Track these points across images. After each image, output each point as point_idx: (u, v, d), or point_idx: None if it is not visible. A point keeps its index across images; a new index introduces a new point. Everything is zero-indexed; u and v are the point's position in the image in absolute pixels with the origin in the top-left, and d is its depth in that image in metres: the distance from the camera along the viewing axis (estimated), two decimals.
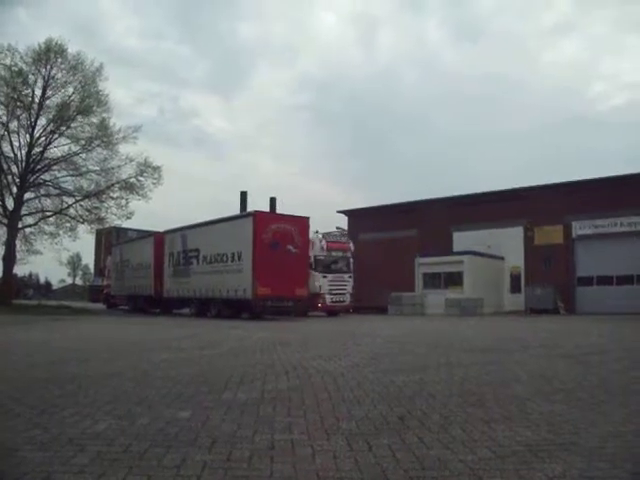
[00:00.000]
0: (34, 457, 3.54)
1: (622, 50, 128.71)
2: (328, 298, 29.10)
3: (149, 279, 31.95)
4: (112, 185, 35.00)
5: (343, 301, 30.04)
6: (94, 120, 34.34)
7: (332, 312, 29.81)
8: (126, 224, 38.74)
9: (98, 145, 34.52)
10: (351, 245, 31.69)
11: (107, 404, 5.21)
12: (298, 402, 5.36)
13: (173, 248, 30.22)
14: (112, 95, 45.90)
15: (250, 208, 31.92)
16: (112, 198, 35.05)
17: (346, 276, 30.45)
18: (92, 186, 35.08)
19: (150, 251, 32.31)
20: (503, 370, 7.80)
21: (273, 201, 37.37)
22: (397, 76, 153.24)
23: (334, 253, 30.27)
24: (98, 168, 34.87)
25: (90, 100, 33.84)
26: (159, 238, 31.80)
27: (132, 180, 34.94)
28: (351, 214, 45.30)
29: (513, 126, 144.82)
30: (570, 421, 4.60)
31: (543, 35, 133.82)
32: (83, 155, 34.92)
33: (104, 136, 34.29)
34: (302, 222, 25.54)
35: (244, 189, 40.77)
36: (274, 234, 23.95)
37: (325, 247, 29.50)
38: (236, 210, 35.34)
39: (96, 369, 7.67)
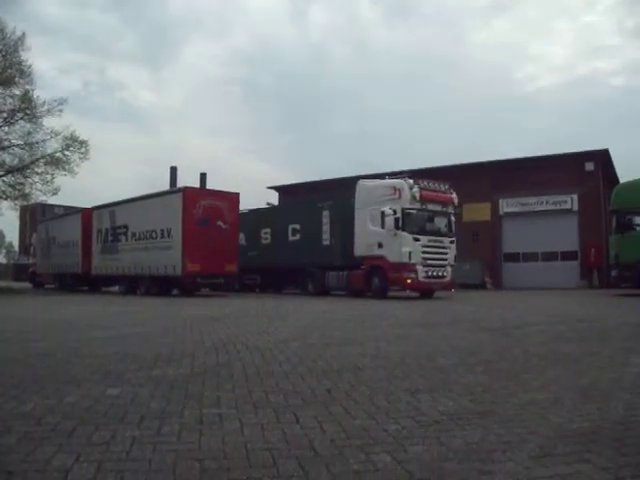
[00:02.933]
0: None
1: (551, 34, 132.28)
2: (421, 271, 20.54)
3: (77, 256, 31.17)
4: (37, 160, 33.63)
5: (443, 276, 21.32)
6: (16, 92, 32.82)
7: (426, 291, 21.75)
8: (52, 200, 37.54)
9: (21, 118, 33.11)
10: (454, 197, 22.59)
11: (34, 384, 5.13)
12: (227, 377, 5.42)
13: (101, 225, 29.45)
14: (34, 66, 43.70)
15: (180, 184, 31.40)
16: (37, 173, 33.71)
17: (447, 240, 21.75)
18: (15, 161, 33.71)
19: (78, 228, 31.44)
20: (429, 343, 8.02)
21: (203, 177, 37.04)
22: (329, 53, 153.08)
23: (431, 207, 21.54)
24: (22, 142, 33.49)
25: (12, 71, 32.25)
26: (87, 214, 30.95)
27: (58, 155, 33.64)
28: (282, 190, 45.21)
29: (444, 104, 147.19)
30: (490, 391, 4.81)
31: (476, 15, 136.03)
32: (5, 128, 33.45)
33: (27, 109, 32.77)
34: (233, 198, 25.25)
35: (174, 164, 40.19)
36: (204, 210, 23.69)
37: (418, 197, 20.91)
38: (166, 186, 34.79)
39: (22, 349, 7.48)
